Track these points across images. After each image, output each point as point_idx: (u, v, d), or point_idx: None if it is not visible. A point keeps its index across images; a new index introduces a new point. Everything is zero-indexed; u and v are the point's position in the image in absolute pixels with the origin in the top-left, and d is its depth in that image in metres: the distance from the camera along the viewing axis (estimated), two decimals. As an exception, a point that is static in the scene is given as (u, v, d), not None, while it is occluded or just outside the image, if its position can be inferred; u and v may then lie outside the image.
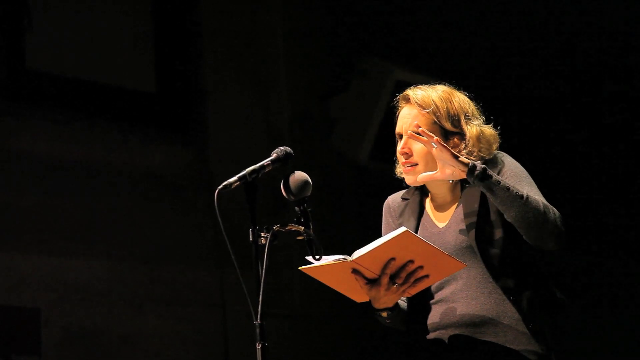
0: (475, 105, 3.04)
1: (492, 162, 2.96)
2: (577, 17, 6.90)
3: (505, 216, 2.85)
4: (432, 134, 2.85)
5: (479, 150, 2.97)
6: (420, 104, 2.96)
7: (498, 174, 2.92)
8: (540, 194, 2.92)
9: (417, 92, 2.99)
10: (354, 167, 7.08)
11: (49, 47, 6.43)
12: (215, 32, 7.04)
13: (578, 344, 6.42)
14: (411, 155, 2.97)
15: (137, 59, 6.85)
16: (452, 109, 2.96)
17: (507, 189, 2.81)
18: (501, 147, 3.07)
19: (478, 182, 2.82)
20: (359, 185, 7.07)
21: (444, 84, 3.05)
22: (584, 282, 6.92)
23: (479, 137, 2.96)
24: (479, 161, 2.86)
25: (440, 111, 2.95)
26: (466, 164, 2.82)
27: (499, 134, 3.03)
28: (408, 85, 3.11)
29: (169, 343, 6.50)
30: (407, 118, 2.98)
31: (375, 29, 7.23)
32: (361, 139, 6.95)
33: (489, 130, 3.00)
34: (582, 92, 7.10)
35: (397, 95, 3.06)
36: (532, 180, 2.95)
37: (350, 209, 7.10)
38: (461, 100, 3.00)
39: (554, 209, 2.85)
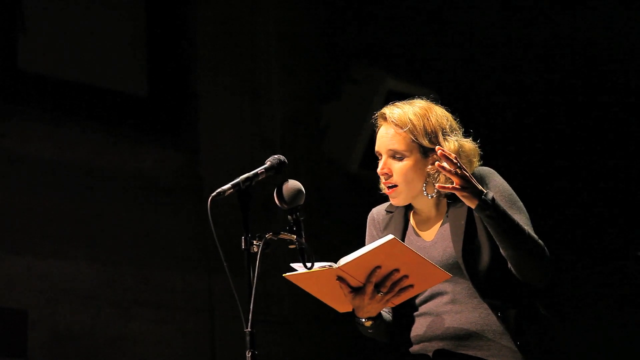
0: (454, 119, 3.03)
1: (478, 177, 2.94)
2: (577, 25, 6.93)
3: (503, 252, 2.85)
4: (457, 159, 2.80)
5: (467, 162, 2.97)
6: (396, 123, 2.96)
7: None
8: (529, 222, 2.91)
9: (394, 111, 2.98)
10: (345, 174, 7.09)
11: (42, 49, 6.42)
12: (208, 36, 7.04)
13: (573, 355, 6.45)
14: (391, 176, 2.97)
15: (130, 62, 6.84)
16: (429, 125, 2.96)
17: (510, 228, 2.78)
18: (498, 155, 3.06)
19: (484, 215, 2.81)
20: (350, 192, 7.07)
21: (423, 99, 3.05)
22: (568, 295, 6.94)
23: (458, 152, 2.95)
24: (490, 193, 2.80)
25: (417, 129, 2.95)
26: (479, 194, 2.79)
27: (479, 147, 3.03)
28: (400, 93, 3.11)
29: (156, 347, 6.49)
30: (385, 137, 2.98)
31: (368, 36, 7.24)
32: (352, 147, 6.96)
33: (468, 144, 3.00)
34: (578, 99, 7.12)
35: (385, 105, 3.06)
36: (521, 205, 2.95)
37: (341, 215, 7.10)
38: (438, 115, 2.99)
39: (542, 243, 2.85)
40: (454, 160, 2.78)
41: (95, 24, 6.66)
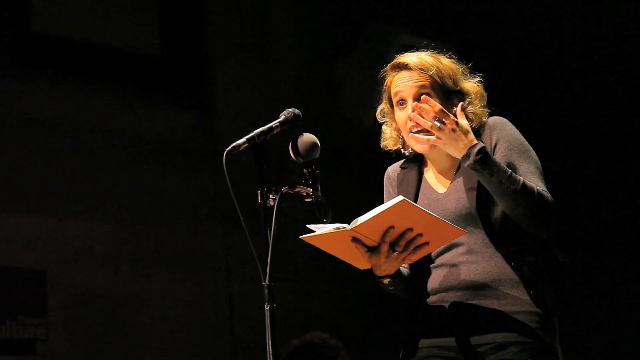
0: (459, 64, 3.02)
1: (484, 126, 2.93)
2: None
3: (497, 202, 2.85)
4: (438, 106, 2.81)
5: (482, 106, 2.96)
6: (420, 67, 2.91)
7: (494, 145, 2.89)
8: (537, 170, 2.88)
9: (412, 57, 2.94)
10: (360, 130, 7.07)
11: (54, 10, 6.41)
12: (220, -5, 7.02)
13: (581, 308, 6.45)
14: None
15: (142, 22, 6.82)
16: (449, 69, 2.94)
17: (500, 182, 2.77)
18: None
19: (470, 168, 2.81)
20: (365, 149, 7.06)
21: (426, 50, 3.01)
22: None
23: (481, 94, 2.95)
24: (479, 144, 2.80)
25: (441, 71, 2.92)
26: (466, 145, 2.79)
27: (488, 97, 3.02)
28: (414, 49, 3.07)
29: (174, 305, 6.53)
30: (410, 81, 2.93)
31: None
32: (367, 103, 6.93)
33: (480, 87, 2.98)
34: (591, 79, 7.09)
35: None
36: (532, 154, 2.92)
37: (356, 172, 7.10)
38: (448, 61, 2.97)
39: (547, 195, 2.83)
40: (439, 114, 2.79)
41: (108, -16, 6.64)
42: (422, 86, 2.92)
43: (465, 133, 2.82)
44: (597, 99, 7.09)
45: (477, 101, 2.95)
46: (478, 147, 2.80)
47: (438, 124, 2.80)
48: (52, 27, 6.39)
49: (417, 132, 2.91)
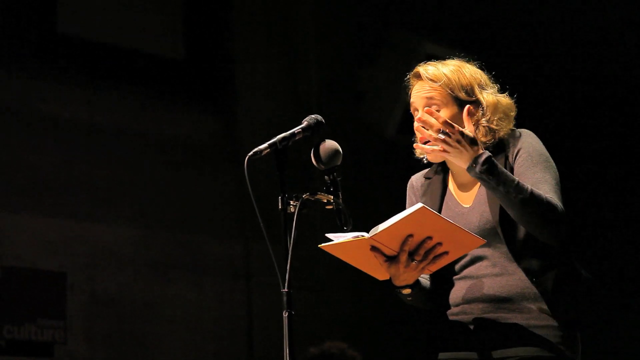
0: (487, 75, 3.01)
1: (511, 138, 2.92)
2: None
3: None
4: (442, 117, 2.80)
5: (499, 119, 2.93)
6: (431, 78, 2.94)
7: (515, 154, 2.88)
8: (553, 181, 2.86)
9: (427, 68, 2.97)
10: (382, 139, 7.05)
11: (81, 12, 6.43)
12: (244, 1, 7.01)
13: (605, 323, 6.40)
14: (428, 130, 2.94)
15: (167, 26, 6.84)
16: (464, 79, 2.94)
17: (507, 192, 2.76)
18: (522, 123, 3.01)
19: (476, 178, 2.80)
20: (387, 157, 7.04)
21: (454, 58, 3.02)
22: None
23: (496, 106, 2.93)
24: (485, 154, 2.78)
25: (452, 82, 2.92)
26: (471, 155, 2.78)
27: (515, 103, 3.00)
28: (438, 57, 3.08)
29: (192, 311, 6.52)
30: (421, 91, 2.96)
31: (406, 0, 7.18)
32: (389, 112, 6.92)
33: (504, 99, 2.97)
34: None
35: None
36: (549, 165, 2.89)
37: (377, 181, 7.08)
38: (472, 71, 2.97)
39: (556, 203, 2.80)
40: (443, 126, 2.78)
41: (133, -13, 6.66)
42: (431, 97, 2.94)
43: (471, 143, 2.80)
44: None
45: (490, 113, 2.93)
46: (484, 156, 2.78)
47: (442, 136, 2.79)
48: (77, 29, 6.41)
49: (425, 143, 2.91)
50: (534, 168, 2.87)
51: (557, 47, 7.16)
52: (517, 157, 2.91)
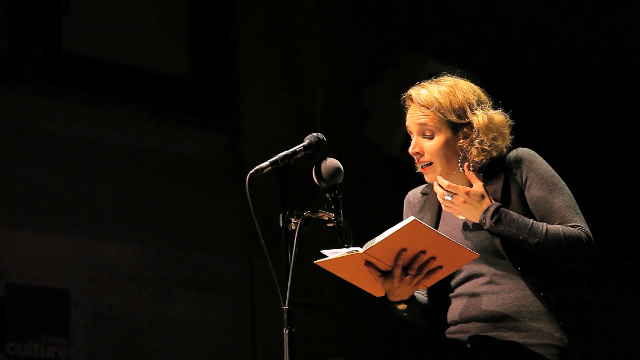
0: (482, 91, 3.02)
1: (513, 157, 2.93)
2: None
3: None
4: (445, 184, 2.88)
5: (493, 139, 2.94)
6: (422, 104, 2.96)
7: (525, 179, 2.90)
8: (572, 202, 2.88)
9: (420, 92, 2.98)
10: (386, 157, 7.06)
11: (86, 31, 6.46)
12: (250, 19, 7.04)
13: (604, 341, 6.38)
14: (422, 155, 2.96)
15: (173, 45, 6.87)
16: (456, 102, 2.94)
17: (523, 240, 2.81)
18: (523, 138, 3.02)
19: (490, 232, 2.87)
20: (390, 176, 7.05)
21: (449, 75, 3.04)
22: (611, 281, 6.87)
23: (488, 126, 2.94)
24: (492, 207, 2.84)
25: (443, 107, 2.94)
26: (481, 211, 2.85)
27: (511, 117, 3.01)
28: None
29: (196, 328, 6.52)
30: (414, 116, 2.98)
31: (410, 19, 7.20)
32: (393, 130, 6.93)
33: (498, 116, 2.97)
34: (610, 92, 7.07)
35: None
36: (563, 186, 2.91)
37: (381, 199, 7.08)
38: (465, 90, 2.97)
39: (579, 232, 2.82)
40: (446, 188, 2.86)
41: (139, 5, 6.69)
42: (424, 123, 2.97)
43: (479, 200, 2.86)
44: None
45: (482, 134, 2.94)
46: (491, 210, 2.83)
47: (449, 198, 2.86)
48: (83, 47, 6.45)
49: (426, 166, 2.99)
50: (552, 194, 2.88)
51: (561, 63, 7.17)
52: (528, 183, 2.91)
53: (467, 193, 2.84)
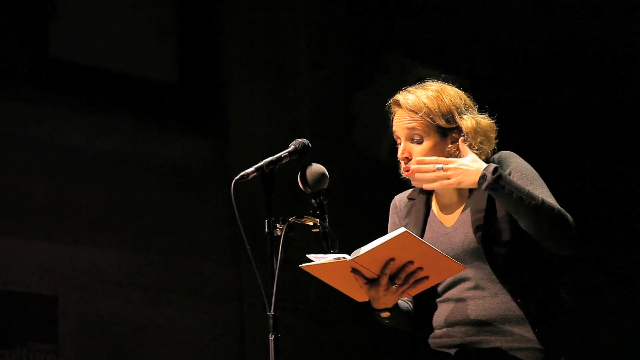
0: (467, 96, 3.03)
1: (496, 160, 2.94)
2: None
3: (521, 224, 2.84)
4: (434, 159, 2.86)
5: (480, 143, 2.96)
6: (411, 108, 2.96)
7: (508, 174, 2.90)
8: (552, 196, 2.90)
9: (407, 97, 2.98)
10: (374, 162, 7.07)
11: (73, 36, 6.46)
12: (237, 24, 7.05)
13: (591, 345, 6.39)
14: (411, 159, 2.97)
15: (160, 50, 6.87)
16: (444, 106, 2.95)
17: (520, 199, 2.79)
18: (507, 144, 3.04)
19: (489, 190, 2.82)
20: (379, 181, 7.05)
21: (434, 80, 3.05)
22: (595, 281, 6.89)
23: (476, 129, 2.95)
24: (491, 165, 2.83)
25: (432, 112, 2.94)
26: (477, 171, 2.82)
27: (495, 122, 3.03)
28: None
29: (184, 334, 6.52)
30: (402, 122, 2.98)
31: (398, 24, 7.21)
32: (382, 135, 6.94)
33: (484, 120, 2.99)
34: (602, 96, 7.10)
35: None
36: (543, 182, 2.93)
37: (370, 204, 7.09)
38: (451, 95, 2.99)
39: (567, 214, 2.83)
40: (432, 162, 2.85)
41: (126, 11, 6.68)
42: (413, 128, 2.96)
43: (472, 162, 2.84)
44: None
45: (471, 138, 2.95)
46: (492, 166, 2.82)
47: (442, 168, 2.84)
48: (70, 53, 6.44)
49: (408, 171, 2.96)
50: (532, 186, 2.89)
51: (550, 70, 7.20)
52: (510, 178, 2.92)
53: (457, 160, 2.84)
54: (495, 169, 2.81)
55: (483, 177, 2.80)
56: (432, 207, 3.05)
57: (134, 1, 6.71)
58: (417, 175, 2.88)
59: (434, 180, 2.86)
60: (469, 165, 2.83)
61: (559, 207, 2.84)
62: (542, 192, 2.88)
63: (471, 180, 2.83)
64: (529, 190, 2.82)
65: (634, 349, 7.00)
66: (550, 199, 2.87)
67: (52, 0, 6.31)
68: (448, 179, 2.84)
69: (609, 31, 6.97)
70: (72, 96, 6.38)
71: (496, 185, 2.79)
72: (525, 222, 2.82)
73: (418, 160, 2.87)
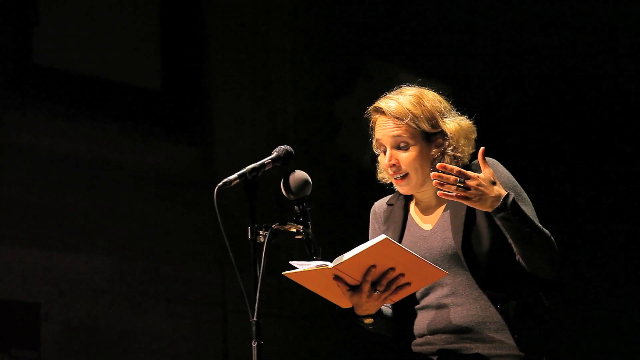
0: (445, 100, 3.02)
1: (476, 166, 2.89)
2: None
3: (514, 249, 2.82)
4: (456, 168, 2.76)
5: (463, 145, 2.96)
6: (396, 115, 2.94)
7: None
8: (534, 212, 2.88)
9: (389, 104, 2.96)
10: (358, 168, 7.08)
11: (56, 43, 6.44)
12: (221, 31, 7.05)
13: (571, 350, 6.42)
14: (399, 167, 2.95)
15: (144, 57, 6.86)
16: (427, 111, 2.94)
17: (529, 235, 2.74)
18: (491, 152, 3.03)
19: (500, 220, 2.77)
20: (363, 187, 7.05)
21: (410, 85, 3.03)
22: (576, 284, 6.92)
23: (459, 132, 2.95)
24: (510, 195, 2.75)
25: (417, 117, 2.93)
26: (498, 199, 2.74)
27: (474, 124, 3.02)
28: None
29: (168, 340, 6.51)
30: (387, 129, 2.97)
31: (381, 31, 7.23)
32: (366, 142, 6.94)
33: (464, 122, 2.99)
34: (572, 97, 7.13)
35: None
36: (526, 196, 2.91)
37: (354, 210, 7.09)
38: (431, 99, 2.97)
39: (549, 235, 2.82)
40: (457, 174, 2.75)
41: (110, 18, 6.67)
42: (398, 135, 2.95)
43: (490, 184, 2.77)
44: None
45: (454, 141, 2.95)
46: (511, 197, 2.76)
47: (462, 186, 2.75)
48: (53, 59, 6.42)
49: (401, 178, 2.92)
50: (520, 204, 2.84)
51: (538, 75, 7.23)
52: None
53: (478, 177, 2.76)
54: (514, 202, 2.75)
55: (502, 207, 2.74)
56: (410, 210, 3.05)
57: (117, 8, 6.70)
58: (435, 181, 2.77)
59: (451, 194, 2.77)
60: (489, 188, 2.76)
61: (552, 238, 2.82)
62: (527, 208, 2.84)
63: (487, 205, 2.77)
64: (536, 224, 2.79)
65: (615, 353, 7.03)
66: (535, 220, 2.84)
67: (35, 6, 6.30)
68: (466, 197, 2.75)
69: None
70: (55, 103, 6.37)
71: (511, 218, 2.75)
72: (524, 252, 2.81)
73: (440, 165, 2.78)
